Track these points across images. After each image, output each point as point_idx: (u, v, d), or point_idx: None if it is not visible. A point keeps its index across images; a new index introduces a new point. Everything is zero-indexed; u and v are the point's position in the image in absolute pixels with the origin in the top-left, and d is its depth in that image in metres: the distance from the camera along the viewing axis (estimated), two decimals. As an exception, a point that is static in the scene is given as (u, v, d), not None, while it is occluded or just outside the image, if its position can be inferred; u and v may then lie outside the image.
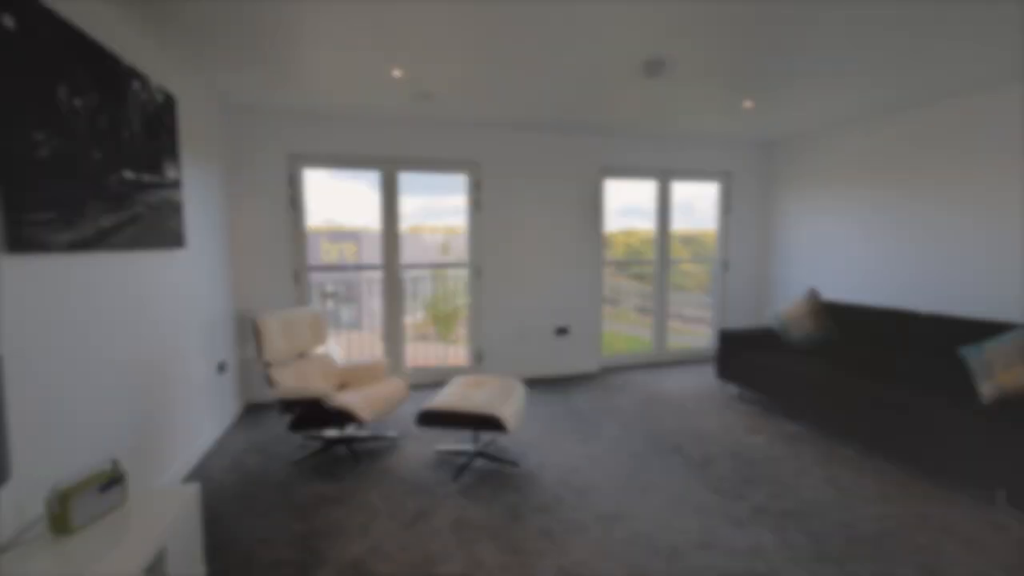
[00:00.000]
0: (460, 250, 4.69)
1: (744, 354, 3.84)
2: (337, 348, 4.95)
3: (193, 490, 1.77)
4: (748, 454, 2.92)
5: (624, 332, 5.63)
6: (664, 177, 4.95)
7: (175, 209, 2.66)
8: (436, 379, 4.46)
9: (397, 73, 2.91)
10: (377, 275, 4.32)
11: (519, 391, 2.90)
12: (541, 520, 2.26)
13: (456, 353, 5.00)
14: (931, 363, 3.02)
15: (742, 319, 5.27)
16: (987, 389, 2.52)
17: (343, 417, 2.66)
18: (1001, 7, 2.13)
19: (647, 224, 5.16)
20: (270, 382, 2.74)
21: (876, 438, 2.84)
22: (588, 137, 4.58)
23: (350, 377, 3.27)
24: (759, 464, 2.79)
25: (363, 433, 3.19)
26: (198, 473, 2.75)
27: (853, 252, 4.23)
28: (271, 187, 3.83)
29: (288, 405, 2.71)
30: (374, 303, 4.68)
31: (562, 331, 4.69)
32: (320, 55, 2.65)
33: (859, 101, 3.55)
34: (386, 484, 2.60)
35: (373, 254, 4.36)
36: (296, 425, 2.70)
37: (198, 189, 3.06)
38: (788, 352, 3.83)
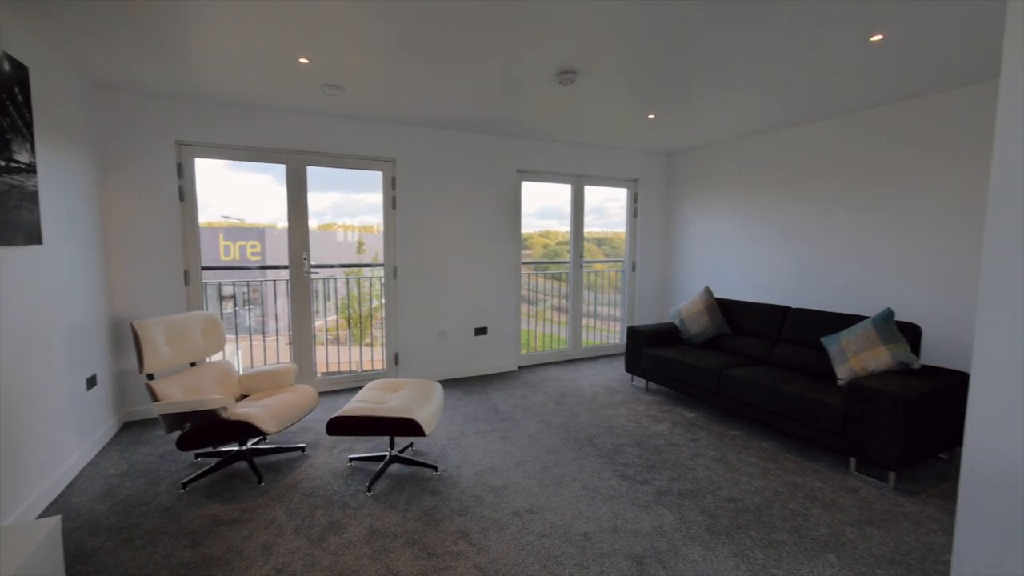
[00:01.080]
0: (376, 249, 4.53)
1: (649, 349, 4.13)
2: (238, 355, 4.54)
3: (52, 524, 1.53)
4: (652, 442, 3.15)
5: (542, 330, 5.79)
6: (578, 181, 5.17)
7: (28, 199, 2.28)
8: (350, 384, 4.28)
9: (304, 61, 2.74)
10: (284, 275, 4.03)
11: (437, 393, 2.87)
12: (459, 522, 2.25)
13: (372, 356, 4.82)
14: (801, 352, 3.47)
15: (649, 316, 5.67)
16: (842, 372, 2.95)
17: (244, 430, 2.45)
18: (853, 54, 2.51)
19: (564, 227, 5.35)
20: (153, 395, 2.45)
21: (758, 419, 3.20)
22: (505, 139, 4.64)
23: (252, 386, 3.02)
24: (662, 450, 3.02)
25: (266, 446, 2.97)
26: (62, 504, 2.38)
27: (741, 254, 4.72)
28: (156, 177, 3.42)
29: (177, 420, 2.44)
30: (281, 306, 4.37)
31: (481, 331, 4.72)
32: (211, 35, 2.41)
33: (744, 121, 3.97)
34: (293, 499, 2.44)
35: (280, 253, 4.06)
36: (186, 442, 2.43)
37: (60, 176, 2.65)
38: (686, 346, 4.18)
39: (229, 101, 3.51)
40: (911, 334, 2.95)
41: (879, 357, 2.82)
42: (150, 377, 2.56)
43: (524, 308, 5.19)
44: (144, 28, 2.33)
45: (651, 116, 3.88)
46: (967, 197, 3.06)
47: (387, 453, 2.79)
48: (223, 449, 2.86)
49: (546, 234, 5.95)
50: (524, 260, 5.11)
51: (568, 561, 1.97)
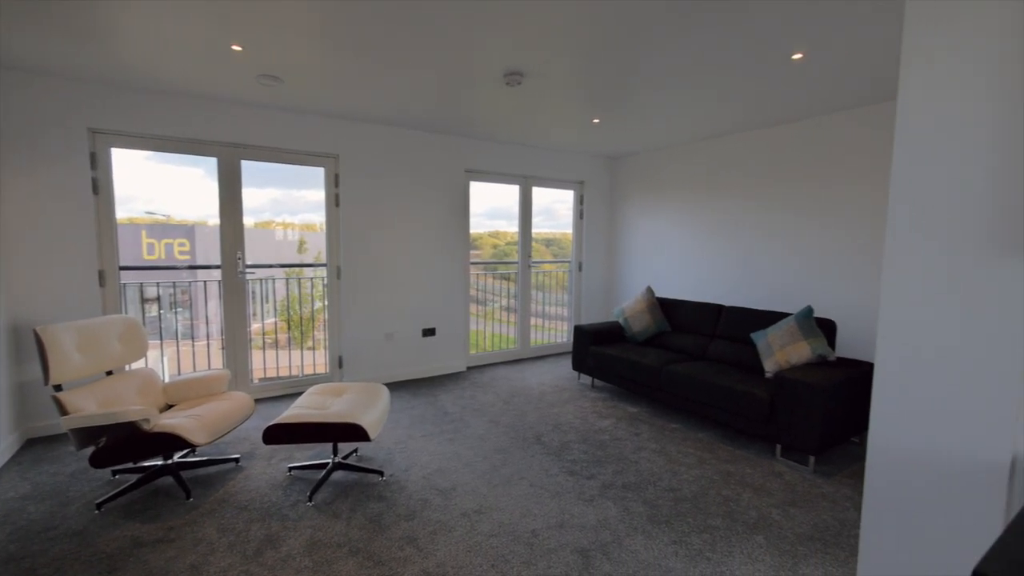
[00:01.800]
0: (319, 248, 4.35)
1: (595, 347, 4.25)
2: (163, 362, 4.21)
3: (-67, 559, 1.35)
4: (598, 437, 3.24)
5: (491, 330, 5.80)
6: (526, 182, 5.23)
7: (-98, 189, 1.99)
8: (290, 389, 4.09)
9: (237, 48, 2.58)
10: (217, 276, 3.78)
11: (383, 396, 2.80)
12: (406, 527, 2.21)
13: (314, 360, 4.63)
14: (734, 347, 3.69)
15: (595, 315, 5.83)
16: (768, 365, 3.17)
17: (169, 443, 2.27)
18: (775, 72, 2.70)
19: (513, 227, 5.39)
20: (61, 409, 2.22)
21: (695, 411, 3.38)
22: (453, 138, 4.61)
23: (179, 394, 2.81)
24: (607, 445, 3.11)
25: (196, 458, 2.77)
26: (-54, 536, 2.10)
27: (681, 254, 4.96)
28: (65, 168, 3.10)
29: (90, 435, 2.22)
30: (213, 308, 4.10)
31: (429, 332, 4.65)
32: (131, 14, 2.22)
33: (683, 129, 4.17)
34: (226, 513, 2.30)
35: (212, 252, 3.81)
36: (100, 458, 2.22)
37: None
38: (630, 344, 4.33)
39: (152, 87, 3.24)
40: (827, 329, 3.22)
41: (800, 351, 3.05)
42: (57, 388, 2.32)
43: (473, 308, 5.18)
44: (54, 2, 2.10)
45: (596, 121, 3.99)
46: (876, 204, 3.38)
47: (330, 460, 2.68)
48: (145, 464, 2.64)
49: (495, 234, 5.96)
50: (473, 260, 5.09)
51: (516, 559, 1.99)
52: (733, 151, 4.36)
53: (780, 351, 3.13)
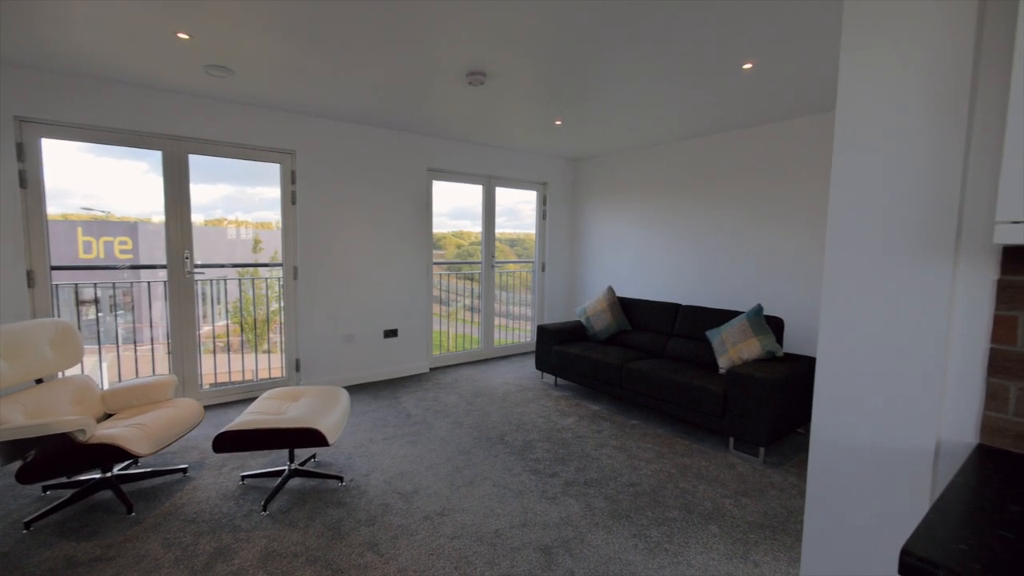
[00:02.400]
0: (275, 248, 4.19)
1: (557, 347, 4.29)
2: (102, 368, 3.93)
3: None
4: (560, 435, 3.28)
5: (455, 331, 5.76)
6: (489, 183, 5.22)
7: None
8: (244, 395, 3.92)
9: (183, 36, 2.45)
10: (162, 276, 3.58)
11: (342, 400, 2.72)
12: (367, 533, 2.16)
13: (269, 364, 4.46)
14: (691, 345, 3.82)
15: (558, 315, 5.89)
16: (722, 362, 3.30)
17: (109, 454, 2.13)
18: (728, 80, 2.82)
19: (478, 227, 5.37)
20: (-17, 421, 2.03)
21: (654, 408, 3.47)
22: (416, 137, 4.55)
23: (120, 402, 2.64)
24: (569, 443, 3.16)
25: (139, 470, 2.61)
26: None
27: (641, 254, 5.09)
28: (-15, 158, 2.85)
29: (17, 448, 2.05)
30: (158, 310, 3.87)
31: (391, 333, 4.57)
32: (63, -5, 2.07)
33: (642, 133, 4.28)
34: (172, 527, 2.17)
35: (157, 250, 3.60)
36: (28, 474, 2.05)
37: None
38: (591, 343, 4.41)
39: (87, 73, 3.03)
40: (776, 326, 3.38)
41: (751, 347, 3.20)
42: (-22, 399, 2.13)
43: (437, 308, 5.13)
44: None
45: (558, 123, 4.04)
46: (823, 207, 3.59)
47: (286, 467, 2.59)
48: (81, 478, 2.46)
49: (459, 234, 5.93)
50: (436, 260, 5.04)
51: (479, 560, 1.98)
52: (691, 155, 4.51)
53: (733, 348, 3.27)
